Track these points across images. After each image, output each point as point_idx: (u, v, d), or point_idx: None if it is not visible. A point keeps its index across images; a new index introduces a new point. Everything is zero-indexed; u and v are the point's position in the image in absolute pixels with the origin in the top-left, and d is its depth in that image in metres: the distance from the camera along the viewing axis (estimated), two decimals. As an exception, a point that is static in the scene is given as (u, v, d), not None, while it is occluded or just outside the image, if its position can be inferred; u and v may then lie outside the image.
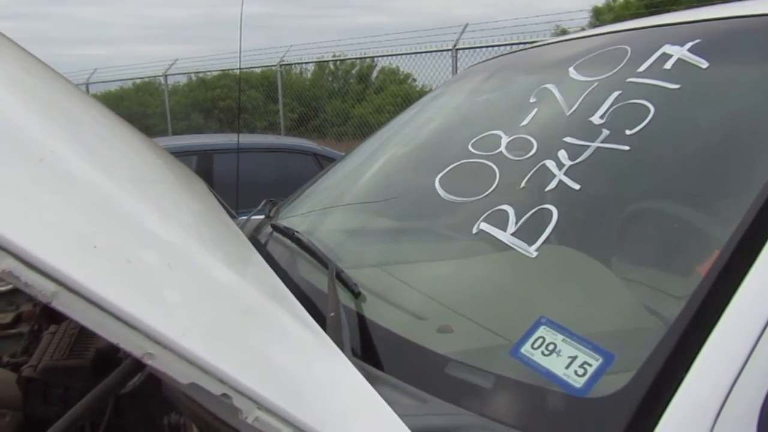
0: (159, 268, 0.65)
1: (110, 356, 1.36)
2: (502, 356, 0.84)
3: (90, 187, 0.68)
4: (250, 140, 4.67)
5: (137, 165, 0.93)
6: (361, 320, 0.99)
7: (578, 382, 0.76)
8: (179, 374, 0.57)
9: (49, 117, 0.82)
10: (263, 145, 4.56)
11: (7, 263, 0.51)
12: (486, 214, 1.05)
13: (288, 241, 1.35)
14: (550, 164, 1.08)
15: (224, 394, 0.59)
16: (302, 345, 0.75)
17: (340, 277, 1.07)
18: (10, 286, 2.06)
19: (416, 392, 0.82)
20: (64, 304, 0.54)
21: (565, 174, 1.04)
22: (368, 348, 0.93)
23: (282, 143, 4.91)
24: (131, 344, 0.56)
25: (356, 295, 1.05)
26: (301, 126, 12.01)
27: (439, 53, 8.62)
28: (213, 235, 0.87)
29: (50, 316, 1.95)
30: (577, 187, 1.01)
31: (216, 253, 0.77)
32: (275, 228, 1.48)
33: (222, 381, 0.58)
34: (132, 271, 0.61)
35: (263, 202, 1.90)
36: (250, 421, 0.60)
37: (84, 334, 1.46)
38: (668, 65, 1.11)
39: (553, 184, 1.03)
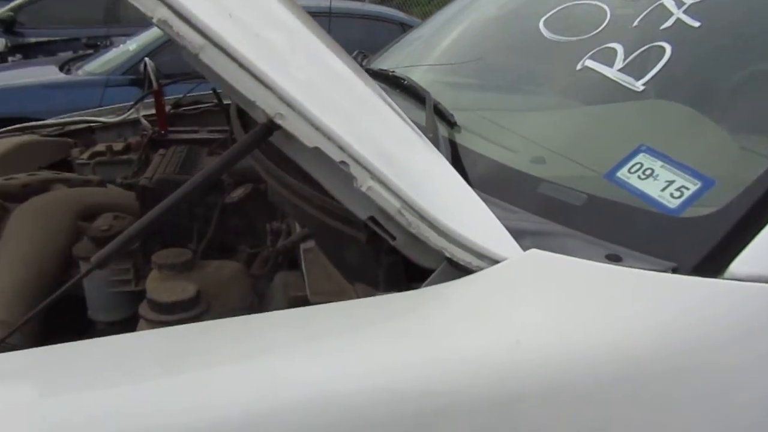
0: (285, 49, 0.69)
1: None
2: (596, 179, 0.86)
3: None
4: (337, 5, 4.58)
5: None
6: (455, 146, 1.02)
7: (672, 203, 0.77)
8: (305, 137, 0.63)
9: None
10: (350, 10, 4.47)
11: (163, 12, 0.57)
12: (593, 51, 1.03)
13: (383, 84, 1.37)
14: (668, 3, 1.02)
15: (343, 162, 0.64)
16: (409, 139, 0.79)
17: (437, 108, 1.10)
18: (118, 119, 2.22)
19: (508, 206, 0.86)
20: (210, 57, 0.59)
21: (684, 12, 0.99)
22: (461, 168, 0.97)
23: (369, 10, 4.80)
24: (265, 103, 0.62)
25: (452, 125, 1.08)
26: (384, 2, 11.57)
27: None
28: (331, 44, 0.90)
29: (156, 145, 2.12)
30: (696, 24, 0.96)
31: (334, 54, 0.80)
32: (369, 72, 1.50)
33: (342, 148, 0.64)
34: (262, 44, 0.66)
35: (355, 53, 1.91)
36: (363, 189, 0.66)
37: (189, 159, 1.58)
38: None
39: (669, 22, 0.99)
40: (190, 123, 2.26)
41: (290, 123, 0.62)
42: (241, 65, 0.60)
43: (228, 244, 1.43)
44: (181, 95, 2.29)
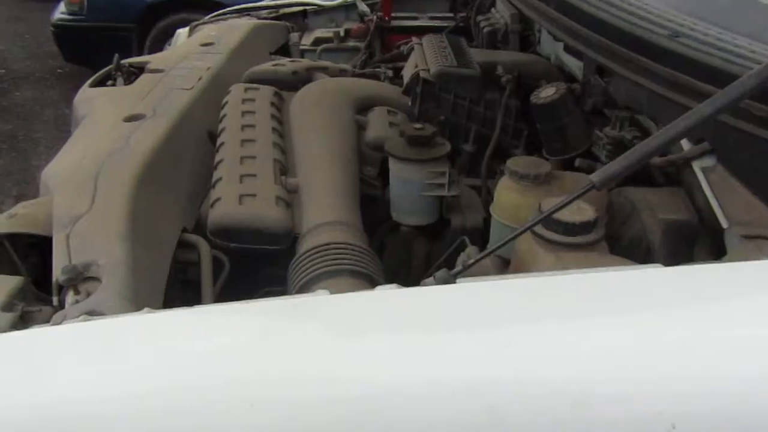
0: None
1: (491, 72, 1.34)
2: None
3: None
4: None
5: None
6: None
7: None
8: None
9: None
10: None
11: None
12: None
13: None
14: None
15: None
16: None
17: None
18: (334, 3, 2.10)
19: None
20: None
21: None
22: None
23: None
24: None
25: None
26: None
27: None
28: None
29: (381, 32, 1.99)
30: None
31: None
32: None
33: None
34: None
35: None
36: None
37: (456, 49, 1.42)
38: None
39: None
40: (404, 8, 2.10)
41: None
42: None
43: (504, 148, 1.32)
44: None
